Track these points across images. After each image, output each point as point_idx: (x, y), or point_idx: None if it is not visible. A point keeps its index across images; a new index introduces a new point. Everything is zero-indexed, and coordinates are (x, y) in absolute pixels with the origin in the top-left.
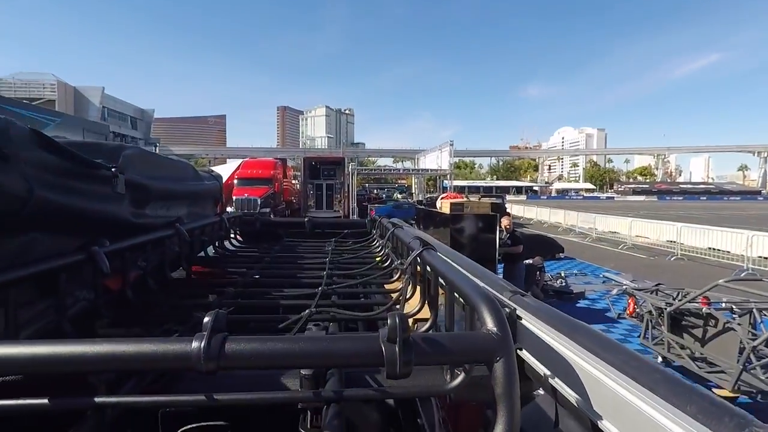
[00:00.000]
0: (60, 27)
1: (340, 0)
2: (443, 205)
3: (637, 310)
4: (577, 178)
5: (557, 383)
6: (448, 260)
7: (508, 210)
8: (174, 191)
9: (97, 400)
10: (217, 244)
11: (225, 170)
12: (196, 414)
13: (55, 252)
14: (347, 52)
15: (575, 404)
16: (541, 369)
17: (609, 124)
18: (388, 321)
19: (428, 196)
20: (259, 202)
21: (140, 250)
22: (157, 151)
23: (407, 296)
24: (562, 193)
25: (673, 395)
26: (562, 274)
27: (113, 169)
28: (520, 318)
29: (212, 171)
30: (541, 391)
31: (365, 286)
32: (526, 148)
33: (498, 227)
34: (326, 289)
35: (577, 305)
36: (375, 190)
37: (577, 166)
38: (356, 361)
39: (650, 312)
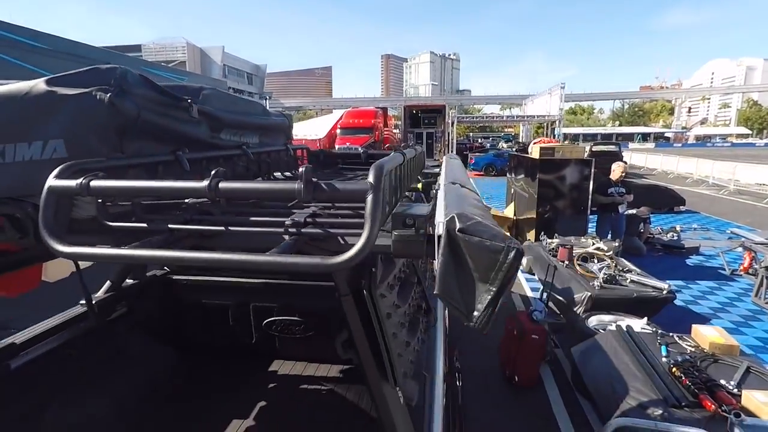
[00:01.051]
0: None
1: None
2: (533, 150)
3: (755, 266)
4: (727, 122)
5: None
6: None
7: (625, 159)
8: (243, 122)
9: (169, 225)
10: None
11: (329, 120)
12: (279, 310)
13: (156, 153)
14: None
15: None
16: None
17: None
18: (299, 171)
19: (522, 142)
20: (360, 151)
21: (214, 162)
22: (267, 104)
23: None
24: (704, 140)
25: None
26: (677, 228)
27: (189, 101)
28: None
29: (282, 111)
30: None
31: None
32: (662, 87)
33: (591, 174)
34: None
35: (687, 261)
36: (479, 140)
37: (729, 107)
38: (281, 195)
39: (767, 268)
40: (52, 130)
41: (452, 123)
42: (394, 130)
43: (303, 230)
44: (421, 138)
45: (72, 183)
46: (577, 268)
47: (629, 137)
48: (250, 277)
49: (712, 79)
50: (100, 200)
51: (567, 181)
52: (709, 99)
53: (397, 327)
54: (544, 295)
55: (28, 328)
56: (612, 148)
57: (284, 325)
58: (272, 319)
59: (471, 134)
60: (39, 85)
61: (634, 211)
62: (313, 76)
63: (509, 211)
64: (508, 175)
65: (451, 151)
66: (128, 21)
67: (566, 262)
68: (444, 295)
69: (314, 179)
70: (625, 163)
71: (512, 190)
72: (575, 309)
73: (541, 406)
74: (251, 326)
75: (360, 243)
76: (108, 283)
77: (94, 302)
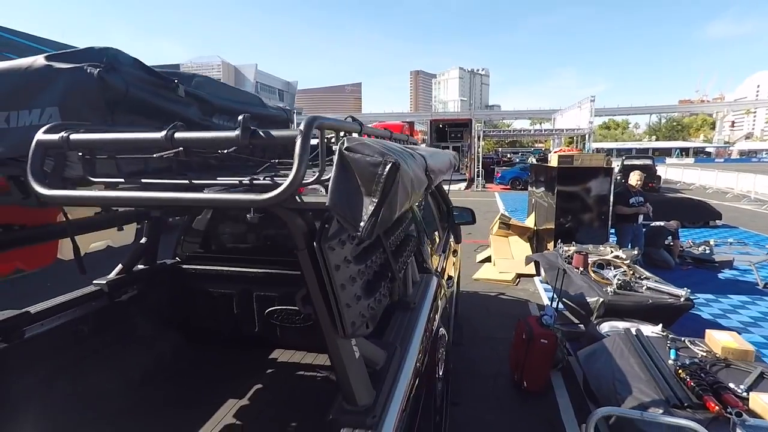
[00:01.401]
0: (220, 9)
1: None
2: (552, 159)
3: None
4: None
5: None
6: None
7: (659, 173)
8: (237, 109)
9: (142, 180)
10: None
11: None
12: (280, 299)
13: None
14: (482, 7)
15: None
16: None
17: None
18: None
19: (542, 152)
20: None
21: None
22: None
23: None
24: (748, 155)
25: None
26: (711, 242)
27: (175, 81)
28: None
29: (283, 107)
30: None
31: None
32: (702, 101)
33: (611, 183)
34: None
35: (719, 275)
36: (508, 155)
37: None
38: (225, 142)
39: None
40: (49, 99)
41: (478, 137)
42: (422, 144)
43: (255, 182)
44: None
45: (55, 137)
46: (592, 274)
47: (667, 152)
48: (253, 268)
49: (757, 92)
50: (81, 154)
51: (586, 189)
52: (754, 112)
53: (348, 280)
54: (555, 299)
55: (43, 302)
56: (646, 161)
57: (285, 315)
58: (274, 308)
59: (500, 149)
60: (39, 60)
61: (662, 224)
62: (343, 92)
63: (530, 222)
64: (529, 185)
65: (478, 166)
66: (169, 43)
67: (581, 269)
68: (334, 207)
69: (252, 127)
70: (659, 176)
71: (533, 200)
72: (588, 315)
73: (549, 412)
74: (254, 315)
75: (288, 181)
76: (119, 266)
77: (105, 282)
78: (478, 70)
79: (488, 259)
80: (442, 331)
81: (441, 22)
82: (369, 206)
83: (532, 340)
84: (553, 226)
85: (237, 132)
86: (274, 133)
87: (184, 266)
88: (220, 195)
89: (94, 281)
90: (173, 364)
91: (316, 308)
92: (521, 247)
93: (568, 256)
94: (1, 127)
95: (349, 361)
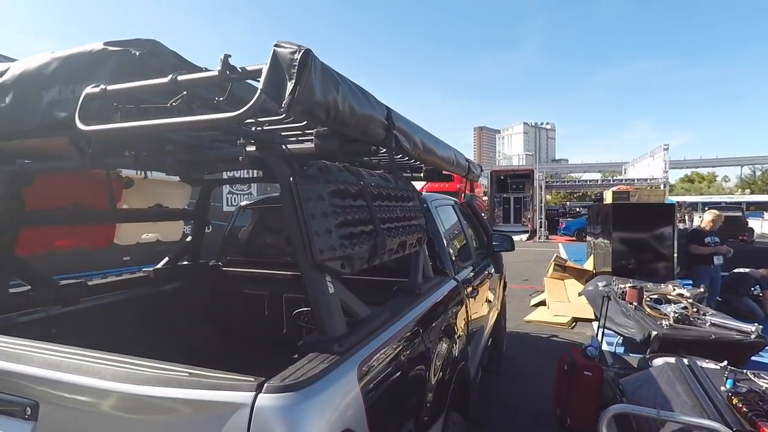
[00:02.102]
0: None
1: (538, 11)
2: (607, 196)
3: None
4: None
5: None
6: None
7: (751, 225)
8: None
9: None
10: None
11: (417, 185)
12: (307, 301)
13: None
14: (546, 65)
15: None
16: None
17: None
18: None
19: (598, 192)
20: None
21: None
22: None
23: None
24: None
25: None
26: None
27: (204, 69)
28: None
29: None
30: None
31: None
32: None
33: (674, 220)
34: None
35: None
36: (578, 208)
37: None
38: (211, 80)
39: None
40: (102, 74)
41: (541, 187)
42: (484, 198)
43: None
44: (509, 203)
45: (97, 89)
46: (647, 308)
47: (765, 206)
48: (284, 270)
49: None
50: (115, 104)
51: (645, 228)
52: None
53: (320, 214)
54: (599, 331)
55: (99, 279)
56: (735, 213)
57: (311, 317)
58: (301, 309)
59: (569, 203)
60: (98, 44)
61: (746, 270)
62: None
63: (588, 264)
64: (587, 228)
65: (541, 216)
66: None
67: (635, 304)
68: (265, 91)
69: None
70: (751, 228)
71: (592, 242)
72: (642, 351)
73: None
74: (283, 316)
75: (252, 101)
76: (166, 258)
77: (152, 270)
78: (543, 124)
79: (543, 303)
80: (459, 332)
81: (504, 82)
82: (289, 87)
83: (575, 372)
84: (611, 269)
85: (219, 68)
86: (248, 67)
87: (223, 268)
88: (199, 117)
89: (143, 268)
90: (201, 354)
91: (293, 239)
92: (578, 290)
93: (623, 292)
94: (69, 97)
95: (323, 293)
